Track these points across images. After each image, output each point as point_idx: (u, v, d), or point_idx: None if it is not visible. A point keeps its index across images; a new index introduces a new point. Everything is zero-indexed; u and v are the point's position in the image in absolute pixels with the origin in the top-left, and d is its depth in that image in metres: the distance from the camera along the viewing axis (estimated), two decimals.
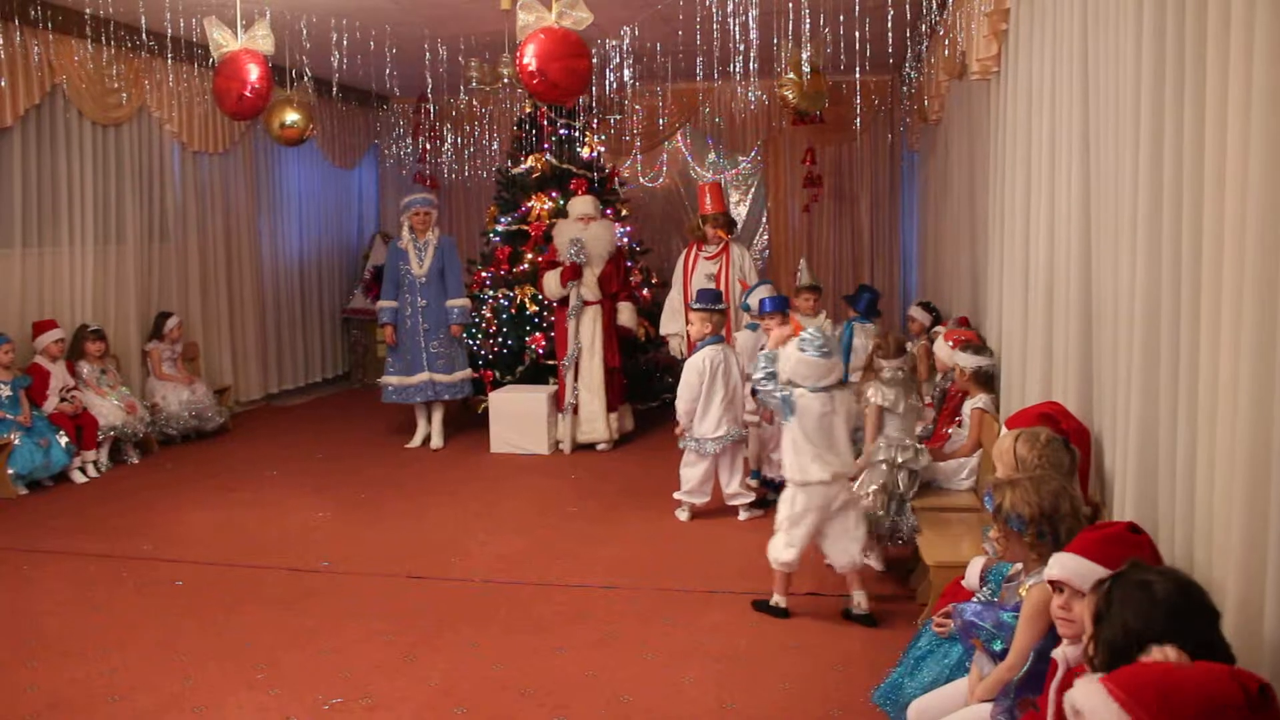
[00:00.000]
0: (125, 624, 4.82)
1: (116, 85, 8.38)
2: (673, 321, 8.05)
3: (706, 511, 6.50)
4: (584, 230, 8.26)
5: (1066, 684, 2.26)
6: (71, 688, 4.14)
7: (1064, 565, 2.50)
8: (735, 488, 6.44)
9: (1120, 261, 3.30)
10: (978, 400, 5.40)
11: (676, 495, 6.49)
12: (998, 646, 2.97)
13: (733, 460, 6.45)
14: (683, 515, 6.46)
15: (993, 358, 5.54)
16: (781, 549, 4.76)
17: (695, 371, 6.35)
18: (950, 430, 5.68)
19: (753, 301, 6.82)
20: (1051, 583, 2.54)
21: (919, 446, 5.21)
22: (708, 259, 7.95)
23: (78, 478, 7.49)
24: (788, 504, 4.77)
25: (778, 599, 4.86)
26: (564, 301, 8.29)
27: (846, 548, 4.73)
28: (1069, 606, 2.47)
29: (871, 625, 4.68)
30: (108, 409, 7.86)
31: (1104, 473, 3.63)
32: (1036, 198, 4.63)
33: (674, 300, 8.06)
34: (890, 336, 5.50)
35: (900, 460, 5.10)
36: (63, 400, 7.57)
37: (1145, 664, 1.99)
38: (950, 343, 5.80)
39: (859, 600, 4.75)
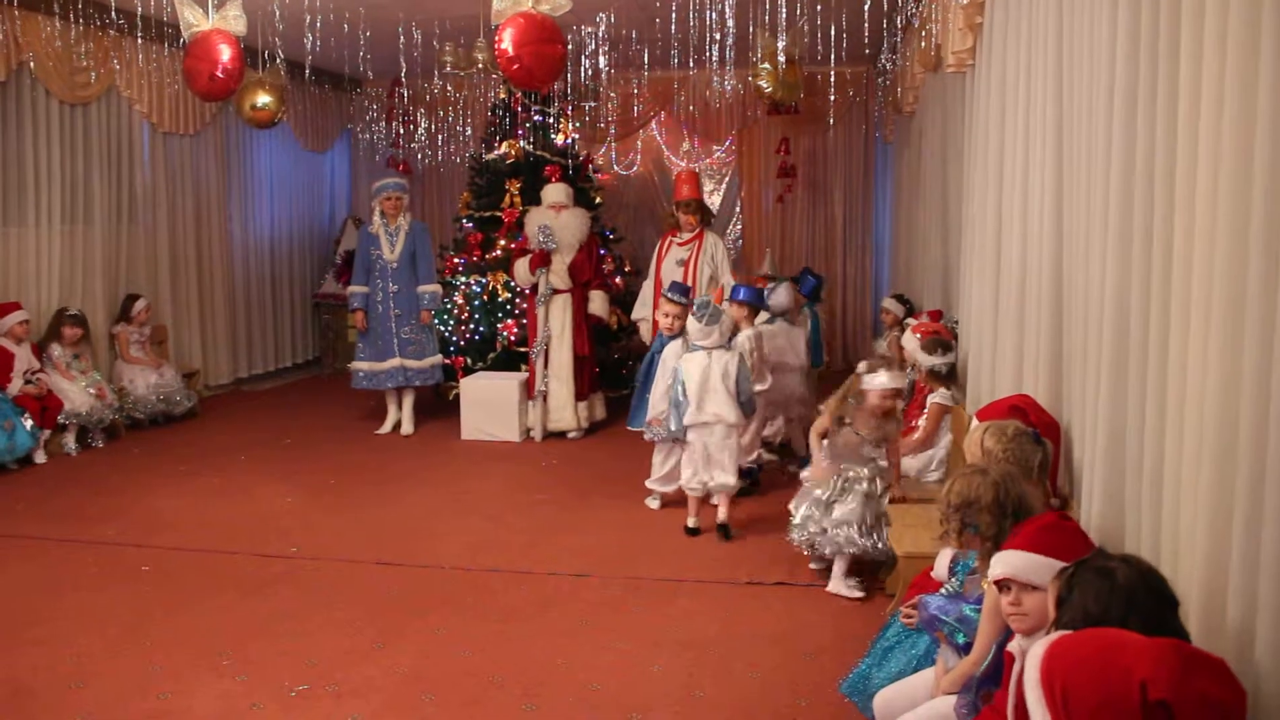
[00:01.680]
0: (90, 610, 4.78)
1: (85, 64, 8.27)
2: (644, 308, 8.05)
3: (678, 500, 6.50)
4: (555, 218, 8.23)
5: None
6: (35, 674, 4.10)
7: (1007, 562, 2.52)
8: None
9: (1091, 256, 3.32)
10: (936, 395, 5.45)
11: (648, 483, 6.50)
12: (960, 640, 2.99)
13: (670, 452, 6.46)
14: (653, 504, 6.47)
15: (952, 354, 5.58)
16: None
17: (666, 363, 6.38)
18: (917, 422, 5.72)
19: (774, 301, 6.97)
20: (997, 582, 2.56)
21: (881, 465, 5.01)
22: (680, 245, 7.95)
23: (38, 457, 7.43)
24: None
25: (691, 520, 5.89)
26: (535, 288, 8.27)
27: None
28: (1019, 601, 2.50)
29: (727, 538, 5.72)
30: (75, 393, 7.77)
31: (1072, 465, 3.65)
32: (1009, 191, 4.65)
33: (646, 288, 8.06)
34: (885, 360, 5.30)
35: (868, 490, 4.93)
36: (27, 383, 7.48)
37: (1090, 635, 2.00)
38: (918, 336, 5.84)
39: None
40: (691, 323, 5.88)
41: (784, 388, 6.96)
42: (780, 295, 7.03)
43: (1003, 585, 2.54)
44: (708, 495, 5.96)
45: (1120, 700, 1.82)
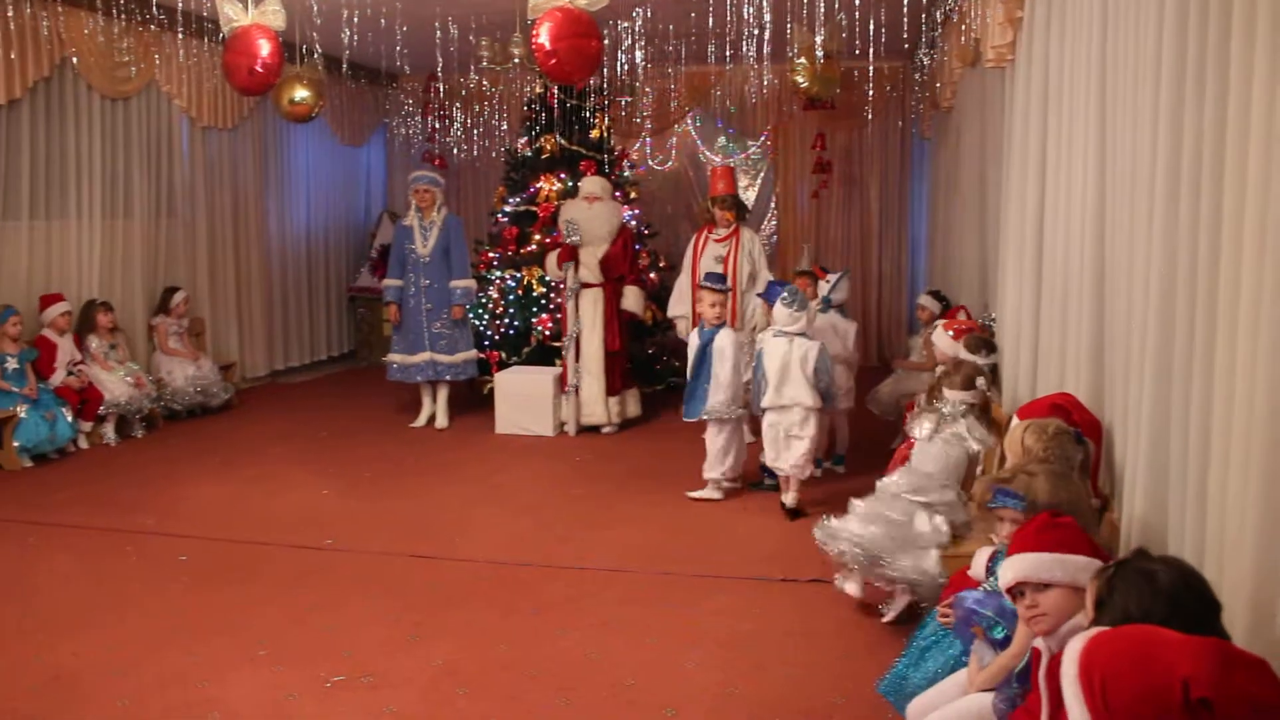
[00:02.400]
0: (129, 598, 4.83)
1: (126, 59, 8.35)
2: (680, 304, 8.01)
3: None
4: (588, 209, 8.22)
5: (1052, 671, 2.26)
6: (75, 660, 4.15)
7: (1015, 567, 2.51)
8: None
9: (1135, 254, 3.27)
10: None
11: (706, 475, 6.51)
12: (1000, 634, 2.95)
13: (729, 440, 6.46)
14: (715, 494, 6.47)
15: (995, 354, 5.52)
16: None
17: (733, 346, 6.41)
18: None
19: (836, 297, 6.95)
20: (1009, 590, 2.54)
21: (960, 493, 4.46)
22: (717, 241, 7.92)
23: (79, 443, 7.55)
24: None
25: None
26: (565, 282, 8.27)
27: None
28: (1035, 603, 2.49)
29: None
30: (114, 384, 7.87)
31: (1114, 466, 3.61)
32: (1050, 187, 4.60)
33: (682, 283, 8.03)
34: (960, 364, 4.88)
35: (934, 499, 4.45)
36: (69, 374, 7.58)
37: (1129, 631, 1.98)
38: (951, 333, 5.79)
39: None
40: (780, 309, 6.03)
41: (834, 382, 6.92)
42: (841, 290, 6.98)
43: (1015, 592, 2.52)
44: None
45: (1161, 696, 1.80)
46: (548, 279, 8.70)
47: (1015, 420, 3.75)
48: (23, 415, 7.09)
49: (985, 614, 3.01)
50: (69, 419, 7.37)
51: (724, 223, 7.86)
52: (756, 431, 6.56)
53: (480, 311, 9.00)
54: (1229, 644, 1.93)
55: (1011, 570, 2.51)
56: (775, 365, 5.98)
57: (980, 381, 4.66)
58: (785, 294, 6.10)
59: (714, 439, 6.45)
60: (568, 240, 8.11)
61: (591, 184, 8.48)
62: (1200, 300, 2.68)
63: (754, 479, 6.68)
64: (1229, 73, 2.50)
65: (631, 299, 8.36)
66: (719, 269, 7.45)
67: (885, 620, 4.47)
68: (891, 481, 4.58)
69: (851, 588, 4.62)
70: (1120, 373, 3.51)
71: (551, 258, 8.32)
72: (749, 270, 7.68)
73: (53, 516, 6.06)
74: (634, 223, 9.19)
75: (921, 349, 7.54)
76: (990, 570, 3.33)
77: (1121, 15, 3.53)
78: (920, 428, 4.66)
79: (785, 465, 6.07)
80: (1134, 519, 3.18)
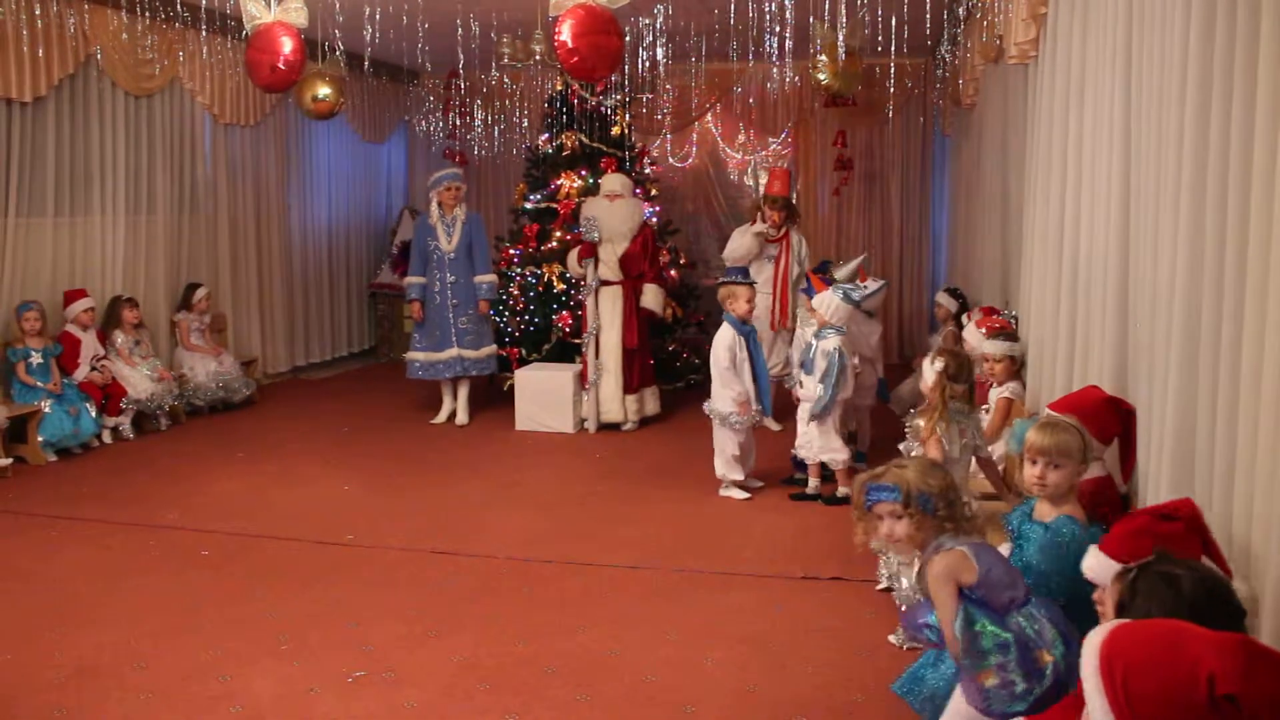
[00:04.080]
0: (151, 592, 4.86)
1: (150, 56, 8.40)
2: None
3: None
4: (609, 207, 8.23)
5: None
6: (98, 654, 4.18)
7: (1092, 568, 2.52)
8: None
9: (1161, 250, 3.25)
10: (1004, 389, 5.33)
11: (725, 475, 6.50)
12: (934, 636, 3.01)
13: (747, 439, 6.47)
14: (739, 494, 6.45)
15: (1019, 346, 5.49)
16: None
17: (724, 347, 6.39)
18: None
19: (869, 306, 6.88)
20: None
21: (971, 501, 4.41)
22: (769, 243, 7.97)
23: (103, 438, 7.62)
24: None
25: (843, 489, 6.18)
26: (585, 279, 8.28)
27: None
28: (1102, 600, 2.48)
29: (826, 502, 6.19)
30: (138, 379, 7.92)
31: (1138, 459, 3.58)
32: (1074, 184, 4.57)
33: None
34: (960, 358, 4.62)
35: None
36: (93, 369, 7.63)
37: (1152, 624, 1.97)
38: (984, 330, 5.75)
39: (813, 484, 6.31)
40: (844, 306, 6.18)
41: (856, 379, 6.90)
42: (876, 299, 6.93)
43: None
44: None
45: (1186, 691, 1.79)
46: (568, 276, 8.70)
47: (1045, 411, 3.72)
48: (47, 410, 7.14)
49: (928, 625, 3.06)
50: (92, 414, 7.42)
51: (772, 221, 7.89)
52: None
53: (500, 308, 9.01)
54: (1255, 640, 1.92)
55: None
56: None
57: (938, 339, 4.69)
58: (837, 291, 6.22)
59: (731, 439, 6.46)
60: (587, 237, 8.11)
61: (613, 181, 8.48)
62: (1226, 295, 2.66)
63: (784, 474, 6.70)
64: (1257, 68, 2.48)
65: (650, 297, 8.34)
66: (770, 269, 7.54)
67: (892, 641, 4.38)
68: None
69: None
70: (1144, 367, 3.49)
71: (572, 254, 8.33)
72: (799, 272, 7.72)
73: (76, 511, 6.11)
74: (655, 220, 9.19)
75: (943, 344, 7.50)
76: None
77: (1147, 10, 3.50)
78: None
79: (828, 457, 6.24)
80: None
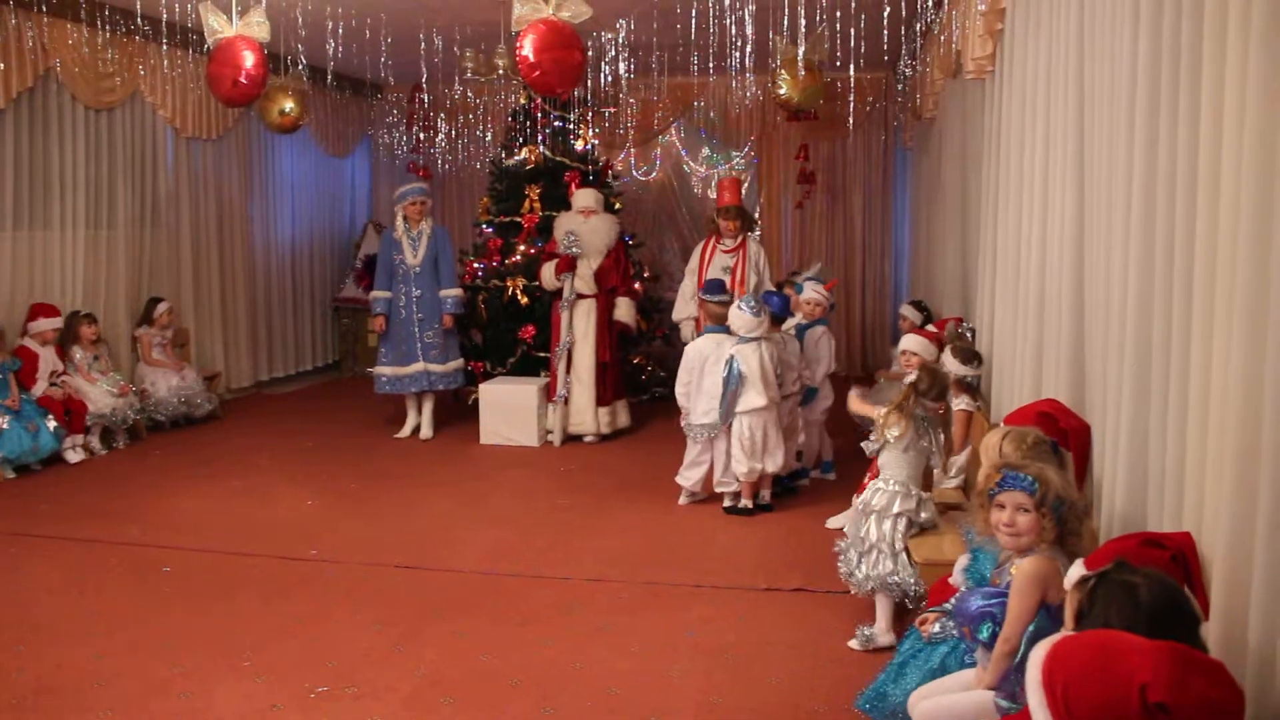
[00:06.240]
0: (113, 609, 4.82)
1: (110, 69, 8.35)
2: (685, 308, 8.05)
3: (696, 504, 6.53)
4: (584, 223, 8.27)
5: None
6: (59, 672, 4.13)
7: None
8: (721, 475, 6.46)
9: (1113, 260, 3.32)
10: (959, 402, 5.41)
11: (677, 479, 6.57)
12: (985, 634, 2.97)
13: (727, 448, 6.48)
14: (681, 499, 6.54)
15: (981, 366, 5.55)
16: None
17: (689, 356, 6.50)
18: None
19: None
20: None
21: (922, 495, 4.60)
22: (725, 253, 7.99)
23: (71, 457, 7.53)
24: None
25: (746, 502, 6.34)
26: (560, 293, 8.29)
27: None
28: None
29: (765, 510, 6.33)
30: (97, 395, 7.84)
31: (1093, 470, 3.64)
32: (1029, 196, 4.64)
33: (686, 288, 8.06)
34: (936, 375, 4.79)
35: (897, 509, 4.52)
36: (52, 385, 7.55)
37: (1090, 637, 2.01)
38: (920, 338, 5.95)
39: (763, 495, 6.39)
40: (742, 316, 6.23)
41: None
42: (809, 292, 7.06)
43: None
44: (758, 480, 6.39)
45: (1121, 702, 1.85)
46: (534, 288, 8.71)
47: (1001, 425, 3.78)
48: (5, 426, 7.05)
49: (967, 611, 3.03)
50: (51, 428, 7.33)
51: (729, 233, 7.92)
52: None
53: (466, 322, 9.00)
54: (1187, 648, 1.96)
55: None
56: (754, 371, 6.16)
57: (953, 396, 4.76)
58: (742, 302, 6.29)
59: (697, 448, 6.50)
60: (568, 252, 8.14)
61: (586, 196, 8.53)
62: (1177, 305, 2.72)
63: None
64: (1202, 82, 2.54)
65: (624, 310, 8.41)
66: (728, 279, 7.56)
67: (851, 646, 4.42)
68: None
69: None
70: (1098, 379, 3.55)
71: (548, 268, 8.34)
72: (755, 282, 7.74)
73: (36, 528, 6.04)
74: (625, 234, 9.22)
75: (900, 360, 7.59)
76: (967, 572, 3.36)
77: (1098, 27, 3.58)
78: (890, 431, 4.60)
79: (768, 467, 6.28)
80: (1114, 522, 3.21)
